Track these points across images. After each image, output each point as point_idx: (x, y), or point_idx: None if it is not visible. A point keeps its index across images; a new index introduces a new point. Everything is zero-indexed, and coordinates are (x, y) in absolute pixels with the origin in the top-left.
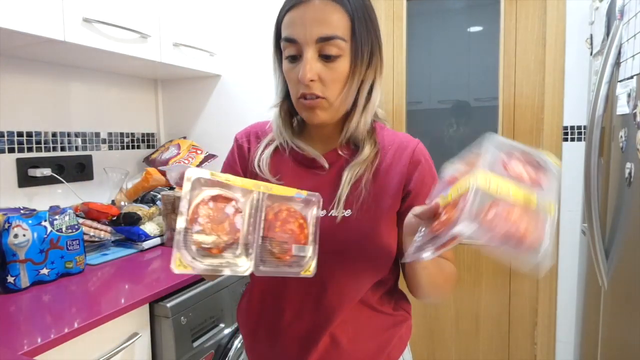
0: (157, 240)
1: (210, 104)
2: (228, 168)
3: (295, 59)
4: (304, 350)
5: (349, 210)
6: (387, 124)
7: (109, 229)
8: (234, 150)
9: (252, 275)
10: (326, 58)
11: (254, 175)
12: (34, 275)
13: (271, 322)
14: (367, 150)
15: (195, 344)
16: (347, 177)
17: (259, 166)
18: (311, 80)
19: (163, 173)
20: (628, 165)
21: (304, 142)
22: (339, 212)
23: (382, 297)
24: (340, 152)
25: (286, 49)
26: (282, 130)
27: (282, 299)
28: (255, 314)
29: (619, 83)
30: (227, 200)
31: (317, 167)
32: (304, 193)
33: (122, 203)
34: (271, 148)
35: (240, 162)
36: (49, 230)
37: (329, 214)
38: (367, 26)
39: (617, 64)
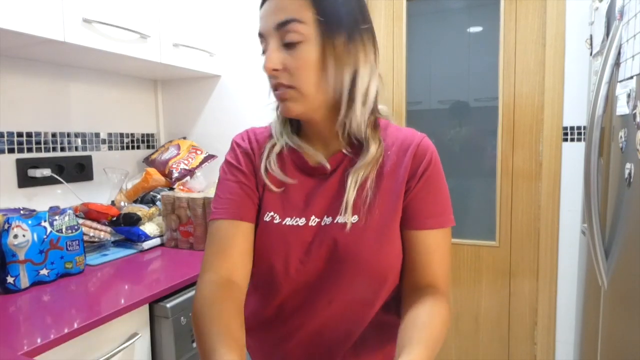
0: (157, 241)
1: (210, 104)
2: (235, 171)
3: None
4: (310, 358)
5: (356, 217)
6: (392, 119)
7: (108, 229)
8: (238, 154)
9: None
10: (288, 46)
11: (262, 184)
12: (34, 276)
13: (279, 328)
14: (372, 150)
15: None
16: (352, 180)
17: (269, 173)
18: (275, 70)
19: (163, 173)
20: (628, 165)
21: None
22: (347, 218)
23: (388, 304)
24: (345, 152)
25: (261, 45)
26: (281, 130)
27: (300, 309)
28: (263, 318)
29: (618, 83)
30: None
31: (320, 172)
32: None
33: (122, 203)
34: (274, 155)
35: (244, 163)
36: (48, 231)
37: (336, 221)
38: (338, 7)
39: (617, 64)
